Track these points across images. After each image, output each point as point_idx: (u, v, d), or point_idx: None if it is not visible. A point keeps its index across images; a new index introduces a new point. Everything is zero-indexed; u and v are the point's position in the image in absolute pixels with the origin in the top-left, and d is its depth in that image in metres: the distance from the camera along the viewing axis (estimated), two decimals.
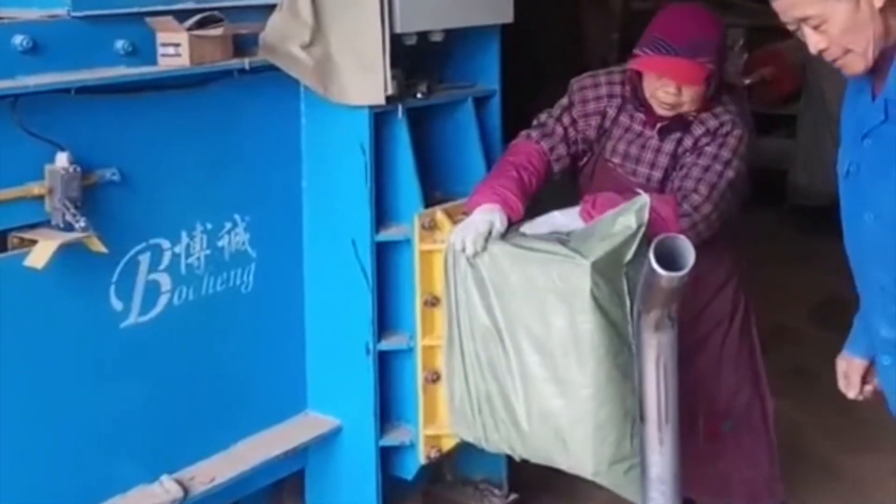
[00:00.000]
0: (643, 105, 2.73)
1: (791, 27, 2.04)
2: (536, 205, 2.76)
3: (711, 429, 2.81)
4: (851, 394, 2.29)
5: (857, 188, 2.08)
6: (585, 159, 2.84)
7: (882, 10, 1.92)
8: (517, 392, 2.57)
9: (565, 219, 2.62)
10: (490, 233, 2.55)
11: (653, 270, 1.43)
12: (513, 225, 2.64)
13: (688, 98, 2.66)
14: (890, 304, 2.04)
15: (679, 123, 2.71)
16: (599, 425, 2.41)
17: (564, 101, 2.84)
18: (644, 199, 2.44)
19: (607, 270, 2.39)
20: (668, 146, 2.72)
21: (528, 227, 2.65)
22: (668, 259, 1.40)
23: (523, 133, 2.82)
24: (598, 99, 2.80)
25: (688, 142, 2.71)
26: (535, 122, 2.84)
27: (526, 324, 2.53)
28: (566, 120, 2.80)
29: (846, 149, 2.12)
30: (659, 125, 2.73)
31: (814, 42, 1.97)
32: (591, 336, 2.39)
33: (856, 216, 2.08)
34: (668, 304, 1.50)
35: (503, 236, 2.58)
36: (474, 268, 2.57)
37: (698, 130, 2.70)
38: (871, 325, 2.12)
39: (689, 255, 1.43)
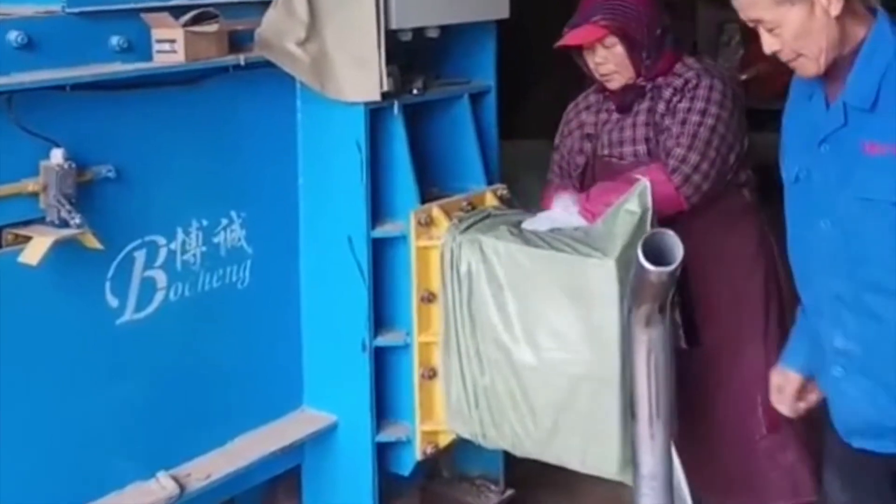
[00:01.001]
0: (603, 89, 2.88)
1: (749, 24, 2.07)
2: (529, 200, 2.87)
3: (772, 419, 2.71)
4: (784, 409, 2.26)
5: (808, 195, 2.08)
6: (584, 166, 2.94)
7: (839, 17, 1.95)
8: (528, 390, 2.55)
9: (565, 215, 2.66)
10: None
11: (641, 266, 1.44)
12: (512, 221, 2.67)
13: (613, 62, 2.77)
14: (845, 313, 2.02)
15: (633, 92, 2.81)
16: (626, 423, 2.35)
17: (556, 140, 3.05)
18: (643, 183, 2.47)
19: (628, 263, 2.36)
20: (641, 118, 2.80)
21: (528, 224, 2.66)
22: (657, 254, 1.41)
23: (548, 183, 3.02)
24: (578, 114, 2.99)
25: (661, 107, 2.80)
26: (550, 173, 3.05)
27: (548, 322, 2.51)
28: (557, 157, 3.02)
29: (794, 154, 2.13)
30: (617, 102, 2.85)
31: (767, 43, 2.01)
32: (618, 333, 2.35)
33: (808, 223, 2.07)
34: (658, 298, 1.51)
35: (513, 234, 2.59)
36: (487, 264, 2.57)
37: (667, 93, 2.79)
38: (822, 335, 2.08)
39: (678, 249, 1.44)
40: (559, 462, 2.61)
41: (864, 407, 2.03)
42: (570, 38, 2.80)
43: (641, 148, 2.80)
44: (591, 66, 2.85)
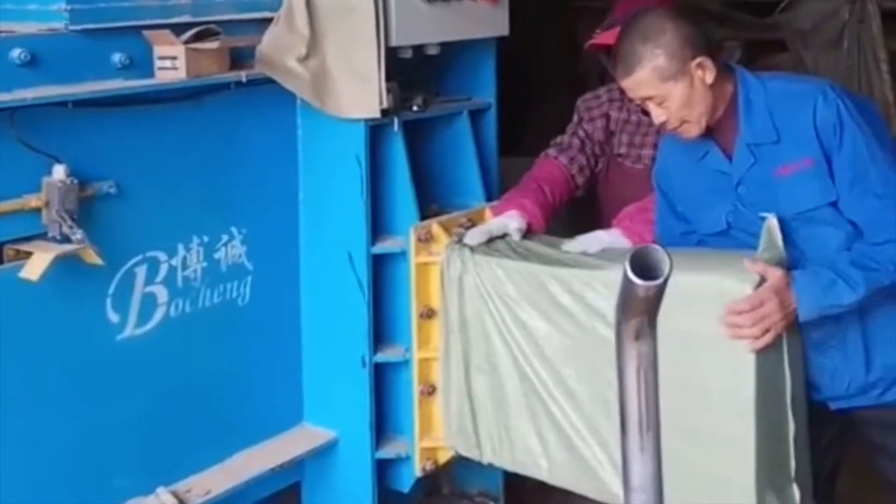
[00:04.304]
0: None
1: (637, 102, 2.40)
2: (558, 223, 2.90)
3: None
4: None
5: (744, 231, 2.34)
6: (601, 165, 3.00)
7: (712, 84, 2.28)
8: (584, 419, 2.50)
9: (610, 237, 2.67)
10: (505, 235, 2.69)
11: (629, 280, 1.45)
12: (550, 242, 2.69)
13: None
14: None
15: None
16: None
17: (574, 118, 3.06)
18: (771, 221, 2.32)
19: None
20: None
21: (572, 245, 2.66)
22: (645, 268, 1.43)
23: (543, 153, 3.00)
24: (601, 105, 3.03)
25: None
26: (552, 143, 3.03)
27: (673, 374, 2.33)
28: (580, 133, 3.02)
29: (711, 206, 2.39)
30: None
31: (656, 115, 2.32)
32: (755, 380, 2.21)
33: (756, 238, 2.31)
34: (646, 312, 1.52)
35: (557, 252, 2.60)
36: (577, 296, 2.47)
37: None
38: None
39: (665, 264, 1.45)
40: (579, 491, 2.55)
41: None
42: (601, 38, 2.86)
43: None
44: None
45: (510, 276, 2.58)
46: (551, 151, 3.00)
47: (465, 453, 2.76)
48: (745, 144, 2.32)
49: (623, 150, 2.97)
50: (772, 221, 2.26)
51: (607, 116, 3.01)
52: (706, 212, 2.42)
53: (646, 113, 2.89)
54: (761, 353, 2.21)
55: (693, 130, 2.32)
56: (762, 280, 2.20)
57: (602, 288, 2.41)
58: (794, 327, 2.26)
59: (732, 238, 2.39)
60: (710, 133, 2.36)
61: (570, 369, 2.50)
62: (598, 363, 2.39)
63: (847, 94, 2.32)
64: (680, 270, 2.22)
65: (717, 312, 2.22)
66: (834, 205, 2.27)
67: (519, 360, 2.58)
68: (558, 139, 3.04)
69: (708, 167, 2.40)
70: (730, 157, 2.36)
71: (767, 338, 2.19)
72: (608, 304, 2.33)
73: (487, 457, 2.71)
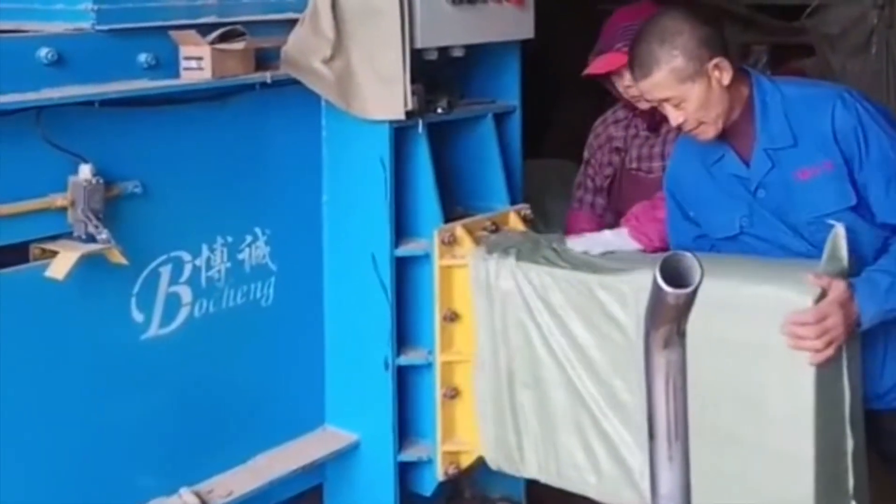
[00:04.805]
0: (631, 107, 2.95)
1: (654, 104, 2.40)
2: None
3: None
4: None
5: (755, 236, 2.36)
6: (612, 178, 3.04)
7: (728, 85, 2.28)
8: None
9: (616, 237, 2.68)
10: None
11: (659, 287, 1.43)
12: (554, 240, 2.70)
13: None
14: None
15: (661, 114, 2.81)
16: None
17: (585, 154, 3.13)
18: (839, 229, 2.25)
19: None
20: (672, 135, 2.81)
21: (576, 244, 2.66)
22: (675, 276, 1.41)
23: (572, 207, 3.13)
24: (606, 129, 3.08)
25: None
26: (574, 195, 3.14)
27: (730, 387, 2.24)
28: (591, 171, 3.10)
29: (725, 210, 2.39)
30: (647, 121, 2.94)
31: (673, 117, 2.32)
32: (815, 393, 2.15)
33: (769, 243, 2.34)
34: (676, 320, 1.50)
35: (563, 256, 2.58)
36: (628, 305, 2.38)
37: None
38: None
39: (696, 271, 1.44)
40: None
41: None
42: (594, 66, 2.89)
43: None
44: (620, 88, 2.89)
45: (558, 283, 2.50)
46: (575, 205, 3.12)
47: (506, 469, 2.71)
48: (762, 149, 2.31)
49: (634, 165, 3.00)
50: (839, 231, 2.19)
51: (610, 139, 3.05)
52: (718, 215, 2.41)
53: (651, 128, 2.98)
54: (822, 365, 2.15)
55: (710, 132, 2.32)
56: (824, 292, 2.14)
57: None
58: (854, 340, 2.21)
59: (742, 243, 2.38)
60: (724, 136, 2.35)
61: (620, 381, 2.43)
62: None
63: (864, 97, 2.31)
64: (738, 281, 2.22)
65: (776, 324, 2.14)
66: (854, 209, 2.25)
67: (567, 372, 2.51)
68: (577, 182, 3.13)
69: (723, 171, 2.39)
70: (746, 162, 2.35)
71: (830, 350, 2.13)
72: None
73: (531, 473, 2.65)
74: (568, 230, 2.98)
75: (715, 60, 2.26)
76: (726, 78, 2.27)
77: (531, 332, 2.56)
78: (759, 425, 2.22)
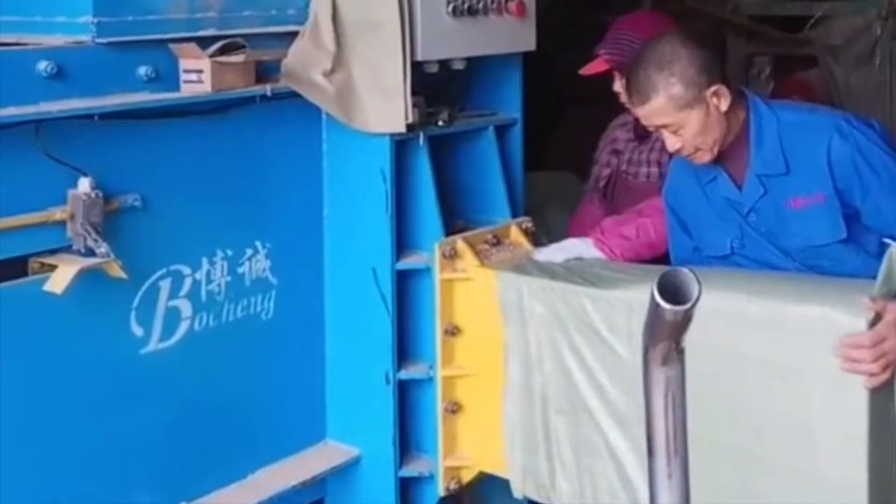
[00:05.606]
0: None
1: (650, 129, 2.40)
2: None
3: None
4: None
5: (747, 257, 2.36)
6: (608, 179, 3.15)
7: (726, 111, 2.28)
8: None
9: (583, 246, 2.69)
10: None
11: (657, 304, 1.42)
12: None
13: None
14: None
15: None
16: None
17: (596, 154, 3.27)
18: (893, 248, 2.18)
19: None
20: (659, 143, 2.81)
21: (542, 255, 2.65)
22: (674, 292, 1.40)
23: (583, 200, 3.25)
24: (613, 129, 3.22)
25: None
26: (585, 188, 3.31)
27: (774, 411, 2.16)
28: (596, 169, 3.24)
29: (717, 230, 2.40)
30: (636, 127, 3.02)
31: (671, 143, 2.32)
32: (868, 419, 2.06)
33: (761, 264, 2.35)
34: (674, 337, 1.49)
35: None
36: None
37: None
38: None
39: (694, 287, 1.42)
40: None
41: None
42: (583, 70, 2.99)
43: (654, 170, 3.01)
44: (617, 89, 2.96)
45: (597, 304, 2.39)
46: (587, 197, 3.24)
47: (534, 497, 2.63)
48: (755, 175, 2.30)
49: (625, 167, 3.12)
50: (895, 252, 2.09)
51: (614, 140, 3.18)
52: (711, 234, 2.42)
53: (638, 135, 3.04)
54: (874, 390, 2.06)
55: (705, 157, 2.32)
56: (878, 315, 2.05)
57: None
58: None
59: (734, 263, 2.38)
60: (718, 158, 2.34)
61: None
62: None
63: (861, 122, 2.28)
64: (784, 301, 2.14)
65: (825, 346, 2.05)
66: (844, 242, 2.24)
67: (607, 397, 2.40)
68: (588, 187, 3.28)
69: (716, 193, 2.39)
70: (739, 186, 2.34)
71: (887, 374, 2.05)
72: (703, 335, 2.17)
73: (562, 501, 2.55)
74: (579, 220, 3.10)
75: (713, 87, 2.25)
76: (724, 104, 2.26)
77: (567, 356, 2.46)
78: (807, 451, 2.12)
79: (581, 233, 2.83)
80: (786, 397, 2.12)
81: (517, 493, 2.67)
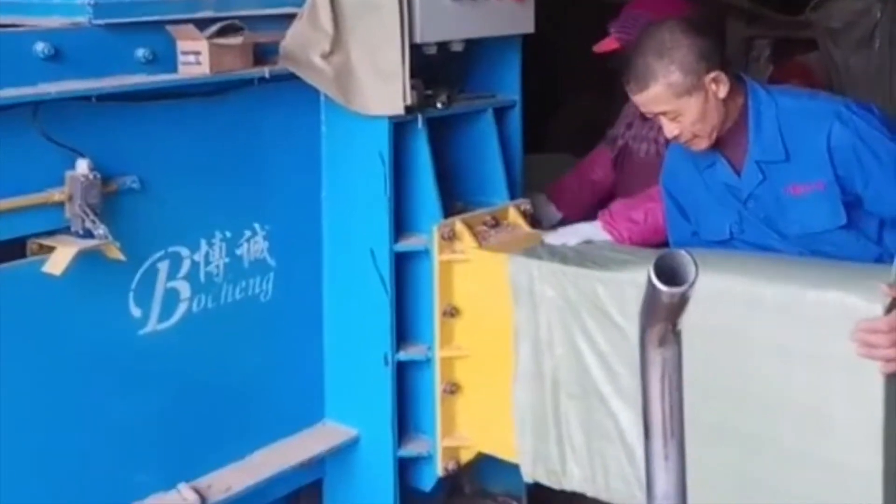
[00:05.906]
0: None
1: (648, 115, 2.40)
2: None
3: None
4: None
5: (746, 242, 2.37)
6: (620, 150, 3.22)
7: (725, 98, 2.26)
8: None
9: (592, 230, 2.69)
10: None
11: (653, 286, 1.42)
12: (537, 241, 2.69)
13: None
14: None
15: None
16: None
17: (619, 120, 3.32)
18: None
19: None
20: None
21: (552, 238, 2.64)
22: (670, 274, 1.40)
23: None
24: (630, 104, 3.12)
25: None
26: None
27: (789, 397, 2.13)
28: (613, 131, 3.29)
29: (716, 215, 2.40)
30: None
31: (668, 129, 2.31)
32: (884, 405, 2.03)
33: (761, 248, 2.35)
34: (671, 318, 1.50)
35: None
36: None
37: None
38: None
39: (691, 269, 1.43)
40: None
41: None
42: (596, 47, 3.09)
43: (653, 148, 3.06)
44: None
45: (608, 288, 2.37)
46: (602, 144, 3.31)
47: (544, 481, 2.62)
48: (753, 161, 2.29)
49: (630, 142, 3.18)
50: None
51: (631, 114, 3.17)
52: (709, 219, 2.41)
53: (642, 114, 3.00)
54: (891, 376, 2.03)
55: (703, 144, 2.31)
56: (895, 301, 2.01)
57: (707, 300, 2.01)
58: None
59: (733, 248, 2.37)
60: (716, 144, 2.33)
61: None
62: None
63: (861, 107, 2.27)
64: (800, 286, 2.11)
65: (841, 332, 2.02)
66: (845, 228, 2.24)
67: (619, 381, 2.38)
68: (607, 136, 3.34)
69: (714, 178, 2.38)
70: (737, 172, 2.33)
71: None
72: (716, 318, 2.11)
73: (573, 485, 2.55)
74: (584, 164, 3.27)
75: (712, 74, 2.24)
76: (723, 91, 2.25)
77: (579, 339, 2.45)
78: (821, 437, 2.11)
79: (576, 175, 3.20)
80: (800, 382, 2.09)
81: (527, 477, 2.66)
